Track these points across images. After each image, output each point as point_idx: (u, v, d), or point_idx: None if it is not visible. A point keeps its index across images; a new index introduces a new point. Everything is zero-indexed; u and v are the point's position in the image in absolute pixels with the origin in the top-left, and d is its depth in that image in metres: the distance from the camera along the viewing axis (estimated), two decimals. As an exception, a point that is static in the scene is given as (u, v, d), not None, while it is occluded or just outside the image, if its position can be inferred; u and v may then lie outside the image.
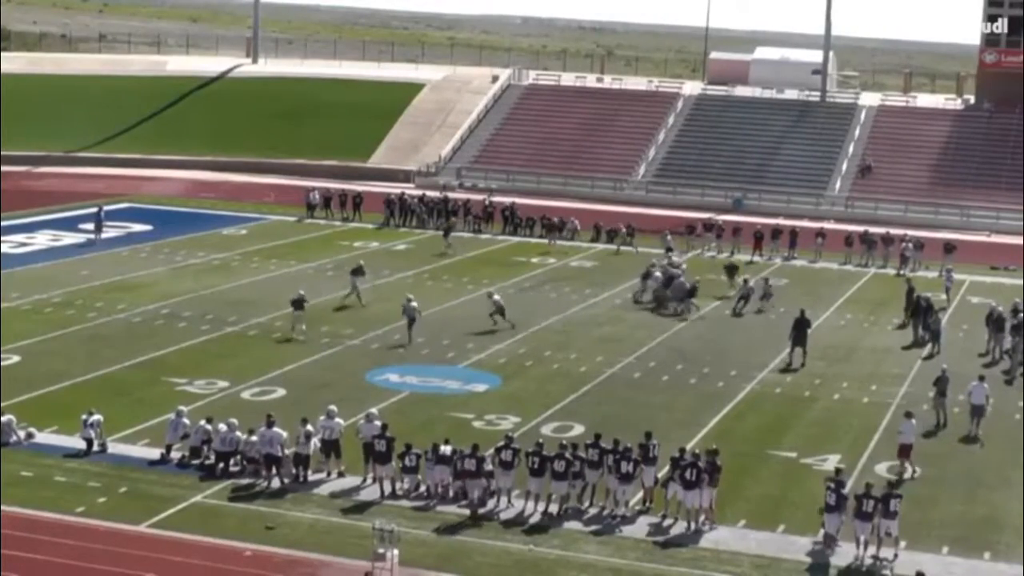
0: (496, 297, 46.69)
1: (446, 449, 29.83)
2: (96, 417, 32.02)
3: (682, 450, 30.42)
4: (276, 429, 30.36)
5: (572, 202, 76.20)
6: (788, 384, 40.83)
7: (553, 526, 28.60)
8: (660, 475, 30.23)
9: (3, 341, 41.11)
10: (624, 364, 42.40)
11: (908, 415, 33.73)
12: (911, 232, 65.82)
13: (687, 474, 28.72)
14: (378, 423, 30.96)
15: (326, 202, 68.71)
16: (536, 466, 29.18)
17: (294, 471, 30.38)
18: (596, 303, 51.46)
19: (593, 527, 28.68)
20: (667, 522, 28.97)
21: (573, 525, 28.73)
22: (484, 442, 30.80)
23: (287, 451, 30.39)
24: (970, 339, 47.37)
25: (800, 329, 43.24)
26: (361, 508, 29.12)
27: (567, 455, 29.32)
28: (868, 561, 27.37)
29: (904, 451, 33.12)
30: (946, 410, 37.04)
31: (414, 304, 44.47)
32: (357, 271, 49.54)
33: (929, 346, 45.80)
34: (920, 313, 47.37)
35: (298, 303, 44.31)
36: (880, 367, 43.65)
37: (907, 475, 32.45)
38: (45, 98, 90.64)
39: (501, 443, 30.18)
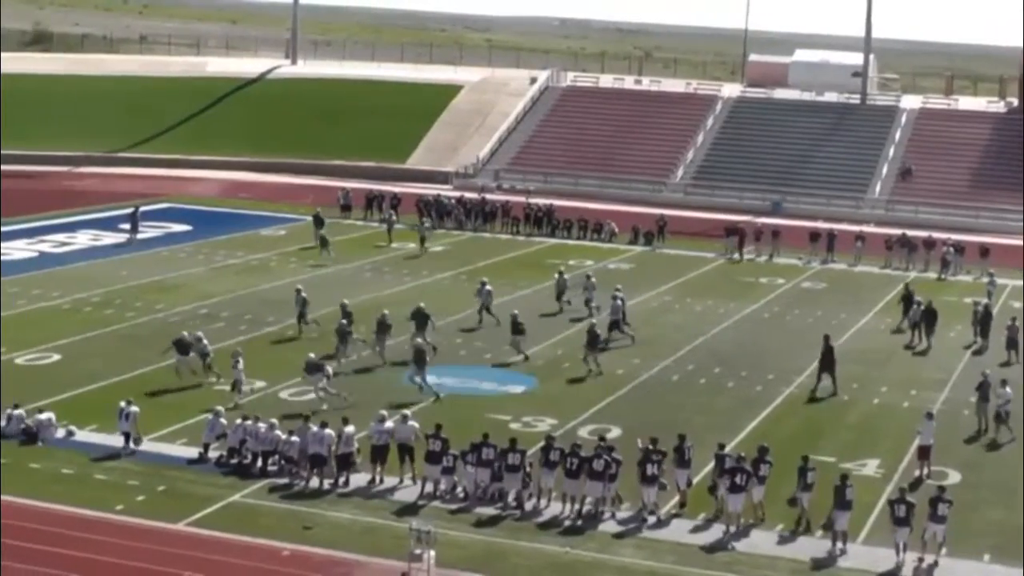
0: (488, 288, 46.96)
1: (488, 452, 29.78)
2: (133, 409, 32.15)
3: (721, 446, 30.40)
4: (327, 430, 30.41)
5: (610, 204, 76.07)
6: (827, 388, 40.54)
7: (589, 528, 28.54)
8: (699, 477, 30.18)
9: (43, 340, 41.61)
10: (661, 367, 42.27)
11: (928, 416, 33.57)
12: (952, 236, 65.31)
13: (737, 479, 28.57)
14: (413, 423, 31.00)
15: (368, 203, 68.84)
16: (574, 468, 29.14)
17: (335, 472, 30.38)
18: (633, 305, 51.21)
19: (629, 529, 28.59)
20: (716, 524, 28.90)
21: (609, 527, 28.66)
22: (522, 444, 30.68)
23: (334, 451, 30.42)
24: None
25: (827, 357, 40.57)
26: (398, 509, 29.12)
27: (605, 456, 29.24)
28: (912, 566, 27.15)
29: (923, 453, 32.91)
30: (988, 416, 36.74)
31: (488, 288, 46.67)
32: (381, 327, 41.46)
33: (1009, 355, 44.99)
34: (976, 322, 47.40)
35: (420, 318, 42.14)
36: (920, 372, 43.35)
37: (925, 477, 32.29)
38: (86, 99, 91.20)
39: (543, 443, 30.15)
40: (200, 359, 38.04)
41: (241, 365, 36.34)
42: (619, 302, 45.82)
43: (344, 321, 41.60)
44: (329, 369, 36.37)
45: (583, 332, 42.54)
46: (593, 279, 50.23)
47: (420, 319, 42.53)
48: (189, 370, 37.89)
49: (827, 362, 40.38)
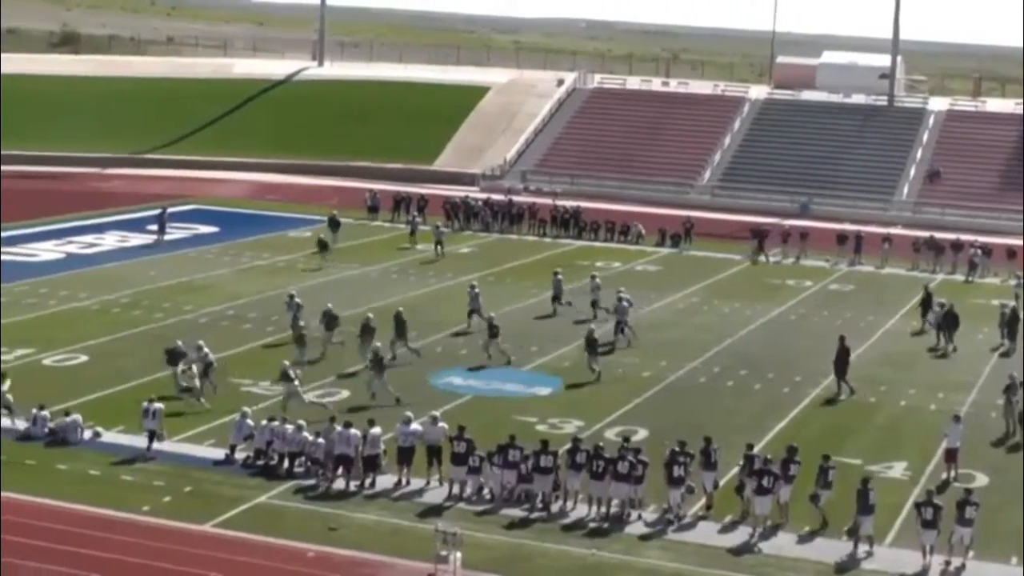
0: (476, 291, 46.54)
1: (514, 454, 29.77)
2: (157, 405, 32.25)
3: (750, 446, 30.39)
4: (353, 430, 30.47)
5: (637, 206, 75.96)
6: (848, 390, 40.35)
7: (615, 530, 28.51)
8: (726, 479, 30.10)
9: (71, 341, 41.84)
10: (688, 369, 42.18)
11: (956, 419, 33.46)
12: (980, 238, 64.96)
13: (764, 481, 28.51)
14: (443, 425, 31.03)
15: (396, 205, 68.93)
16: (599, 470, 29.11)
17: (362, 473, 30.41)
18: (660, 307, 51.25)
19: (655, 531, 28.55)
20: (742, 527, 28.84)
21: (635, 529, 28.63)
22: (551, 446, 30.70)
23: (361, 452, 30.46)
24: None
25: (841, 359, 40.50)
26: (424, 510, 29.15)
27: (631, 458, 29.21)
28: (939, 569, 27.03)
29: (950, 455, 32.77)
30: (1015, 418, 36.56)
31: (476, 291, 46.04)
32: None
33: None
34: (1004, 324, 47.11)
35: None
36: (947, 374, 43.16)
37: (952, 480, 32.15)
38: (114, 100, 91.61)
39: (570, 446, 30.15)
40: (202, 367, 36.84)
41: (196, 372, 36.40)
42: (624, 303, 45.74)
43: (302, 323, 41.34)
44: (293, 385, 35.72)
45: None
46: (598, 279, 50.14)
47: (398, 325, 41.78)
48: (184, 381, 36.73)
49: (840, 363, 40.20)
